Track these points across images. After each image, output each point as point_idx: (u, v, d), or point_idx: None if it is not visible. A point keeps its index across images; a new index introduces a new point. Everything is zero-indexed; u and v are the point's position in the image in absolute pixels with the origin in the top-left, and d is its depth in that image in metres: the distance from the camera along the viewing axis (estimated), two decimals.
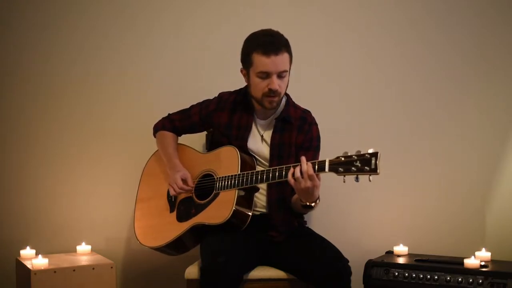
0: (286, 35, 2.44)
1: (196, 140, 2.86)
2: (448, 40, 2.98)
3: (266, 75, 2.41)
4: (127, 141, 3.12)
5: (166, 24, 3.12)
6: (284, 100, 2.56)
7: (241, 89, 2.61)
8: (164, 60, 3.13)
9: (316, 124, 2.59)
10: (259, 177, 2.36)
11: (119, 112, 3.14)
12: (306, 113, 2.59)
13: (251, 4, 3.09)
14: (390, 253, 2.82)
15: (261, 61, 2.39)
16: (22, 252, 2.87)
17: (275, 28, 2.47)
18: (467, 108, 2.97)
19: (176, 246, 2.58)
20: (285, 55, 2.40)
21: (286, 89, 2.49)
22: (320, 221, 2.93)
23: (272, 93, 2.42)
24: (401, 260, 2.67)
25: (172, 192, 2.58)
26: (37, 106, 3.12)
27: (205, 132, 2.84)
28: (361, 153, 2.13)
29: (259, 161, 2.54)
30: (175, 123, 2.72)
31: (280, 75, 2.41)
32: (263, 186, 2.51)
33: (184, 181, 2.55)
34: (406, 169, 2.99)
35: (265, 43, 2.39)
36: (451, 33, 2.98)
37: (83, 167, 3.12)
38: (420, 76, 3.01)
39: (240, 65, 2.51)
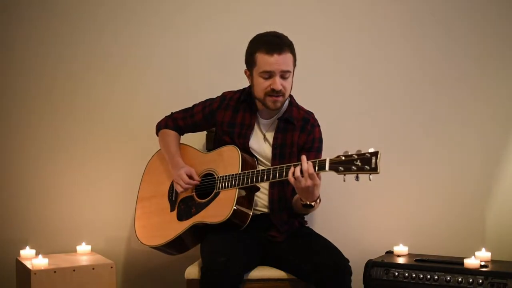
0: (287, 34, 2.46)
1: (196, 140, 2.87)
2: (449, 41, 2.99)
3: (269, 75, 2.42)
4: (128, 141, 3.12)
5: (169, 24, 3.12)
6: (287, 101, 2.56)
7: (244, 88, 2.62)
8: (166, 60, 3.13)
9: (318, 126, 2.59)
10: (259, 176, 2.37)
11: (120, 111, 3.14)
12: (309, 115, 2.60)
13: (253, 5, 3.10)
14: (390, 253, 2.82)
15: (264, 60, 2.40)
16: (22, 252, 2.86)
17: (277, 27, 2.49)
18: (467, 107, 2.97)
19: (176, 245, 2.58)
20: (289, 55, 2.42)
21: (290, 90, 2.50)
22: (320, 221, 2.94)
23: (275, 93, 2.43)
24: (401, 260, 2.67)
25: (179, 189, 2.57)
26: (38, 106, 3.12)
27: (205, 132, 2.84)
28: (362, 152, 2.14)
29: (261, 161, 2.55)
30: (178, 122, 2.72)
31: (283, 76, 2.42)
32: (265, 186, 2.52)
33: (190, 176, 2.56)
34: (407, 169, 3.00)
35: (269, 42, 2.41)
36: (452, 35, 2.98)
37: (84, 167, 3.12)
38: (421, 77, 3.01)
39: (244, 67, 2.52)
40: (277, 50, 2.39)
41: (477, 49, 2.97)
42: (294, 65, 2.47)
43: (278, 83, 2.41)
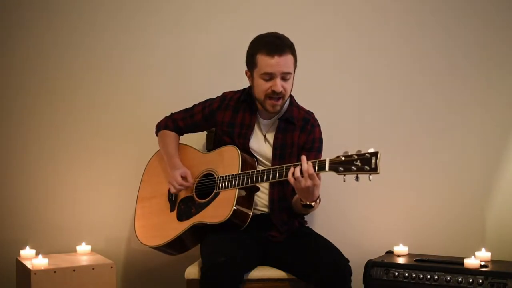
0: (287, 35, 2.46)
1: (196, 140, 2.87)
2: (450, 40, 2.99)
3: (269, 76, 2.42)
4: (128, 141, 3.12)
5: (169, 24, 3.12)
6: (288, 100, 2.56)
7: (245, 88, 2.62)
8: (166, 60, 3.13)
9: (319, 126, 2.59)
10: (259, 176, 2.37)
11: (120, 112, 3.14)
12: (310, 115, 2.60)
13: (254, 5, 3.09)
14: (390, 253, 2.83)
15: (265, 62, 2.40)
16: (22, 252, 2.86)
17: (277, 27, 2.49)
18: (467, 107, 2.97)
19: (176, 245, 2.58)
20: (289, 57, 2.41)
21: (290, 92, 2.50)
22: (320, 221, 2.94)
23: (275, 95, 2.43)
24: (401, 260, 2.67)
25: (172, 190, 2.58)
26: (38, 106, 3.12)
27: (205, 132, 2.84)
28: (362, 152, 2.14)
29: (261, 161, 2.55)
30: (178, 123, 2.72)
31: (284, 78, 2.42)
32: (265, 186, 2.52)
33: (184, 178, 2.56)
34: (407, 169, 2.99)
35: (270, 43, 2.41)
36: (453, 33, 2.98)
37: (84, 167, 3.12)
38: (422, 77, 3.01)
39: (244, 67, 2.52)
40: (278, 51, 2.39)
41: (477, 49, 2.96)
42: (295, 66, 2.47)
43: (278, 84, 2.41)
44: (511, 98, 2.93)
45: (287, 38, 2.45)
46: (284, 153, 2.52)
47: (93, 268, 2.68)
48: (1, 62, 3.11)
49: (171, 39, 3.12)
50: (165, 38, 3.12)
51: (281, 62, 2.39)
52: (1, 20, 3.10)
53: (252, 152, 2.54)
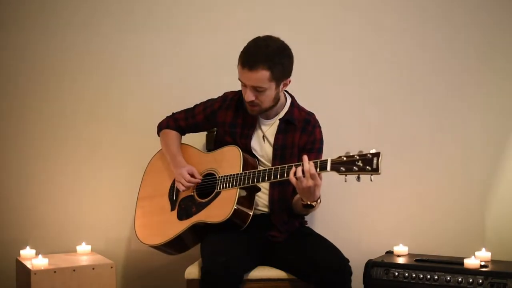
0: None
1: (196, 140, 2.86)
2: (450, 40, 2.98)
3: (244, 84, 2.42)
4: (128, 141, 3.12)
5: (170, 24, 3.12)
6: (288, 101, 2.56)
7: None
8: (166, 60, 3.13)
9: (319, 127, 2.59)
10: (260, 176, 2.37)
11: (121, 111, 3.14)
12: (310, 115, 2.60)
13: (254, 4, 3.09)
14: (390, 253, 2.83)
15: (239, 70, 2.41)
16: (22, 252, 2.86)
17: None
18: (467, 108, 2.97)
19: (176, 245, 2.58)
20: (262, 73, 2.35)
21: (271, 102, 2.46)
22: (320, 221, 2.94)
23: (249, 102, 2.43)
24: (401, 260, 2.67)
25: (181, 187, 2.57)
26: (38, 106, 3.11)
27: (205, 132, 2.84)
28: (363, 153, 2.15)
29: (261, 161, 2.55)
30: (179, 122, 2.72)
31: (256, 90, 2.40)
32: (265, 186, 2.52)
33: (191, 175, 2.55)
34: (407, 169, 2.99)
35: (246, 54, 2.38)
36: (452, 34, 2.98)
37: (84, 167, 3.12)
38: (421, 78, 3.01)
39: None
40: (247, 65, 2.35)
41: (482, 47, 2.95)
42: (276, 79, 2.39)
43: (247, 94, 2.40)
44: (510, 100, 2.93)
45: (270, 47, 2.36)
46: (285, 153, 2.52)
47: (93, 268, 2.68)
48: (2, 63, 3.11)
49: (172, 39, 3.12)
50: (166, 37, 3.12)
51: (249, 76, 2.36)
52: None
53: (253, 152, 2.55)
